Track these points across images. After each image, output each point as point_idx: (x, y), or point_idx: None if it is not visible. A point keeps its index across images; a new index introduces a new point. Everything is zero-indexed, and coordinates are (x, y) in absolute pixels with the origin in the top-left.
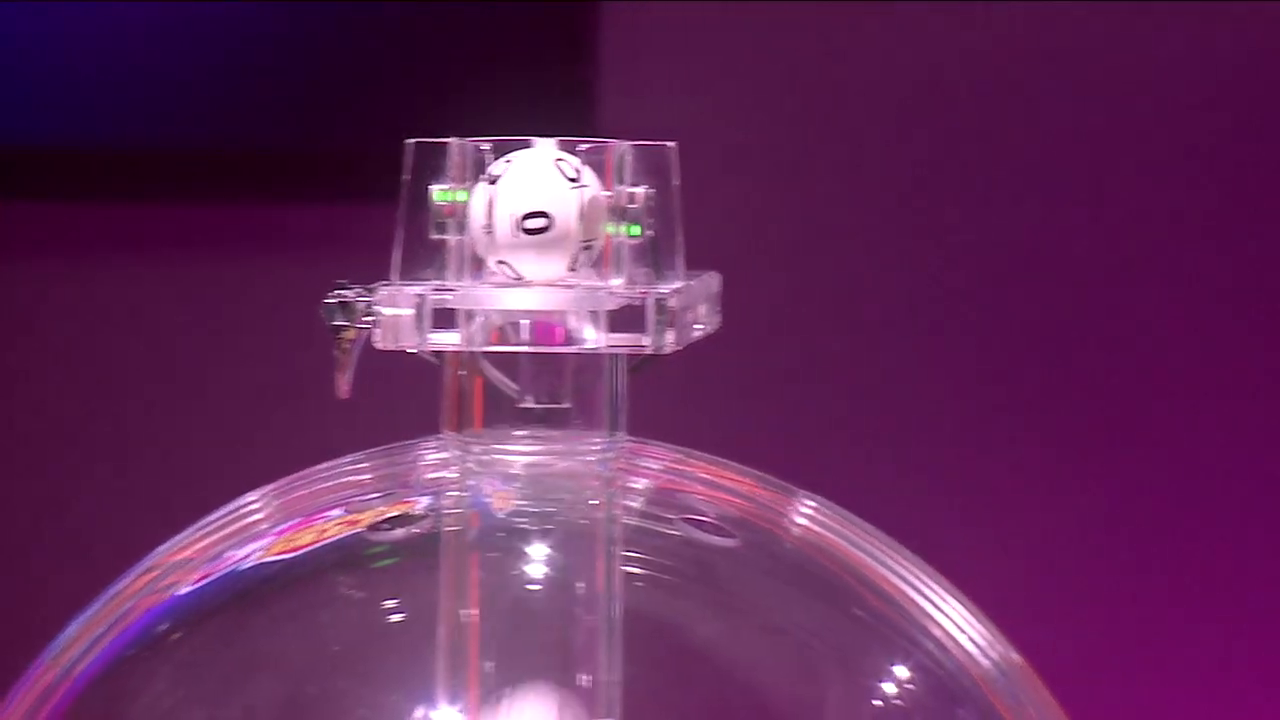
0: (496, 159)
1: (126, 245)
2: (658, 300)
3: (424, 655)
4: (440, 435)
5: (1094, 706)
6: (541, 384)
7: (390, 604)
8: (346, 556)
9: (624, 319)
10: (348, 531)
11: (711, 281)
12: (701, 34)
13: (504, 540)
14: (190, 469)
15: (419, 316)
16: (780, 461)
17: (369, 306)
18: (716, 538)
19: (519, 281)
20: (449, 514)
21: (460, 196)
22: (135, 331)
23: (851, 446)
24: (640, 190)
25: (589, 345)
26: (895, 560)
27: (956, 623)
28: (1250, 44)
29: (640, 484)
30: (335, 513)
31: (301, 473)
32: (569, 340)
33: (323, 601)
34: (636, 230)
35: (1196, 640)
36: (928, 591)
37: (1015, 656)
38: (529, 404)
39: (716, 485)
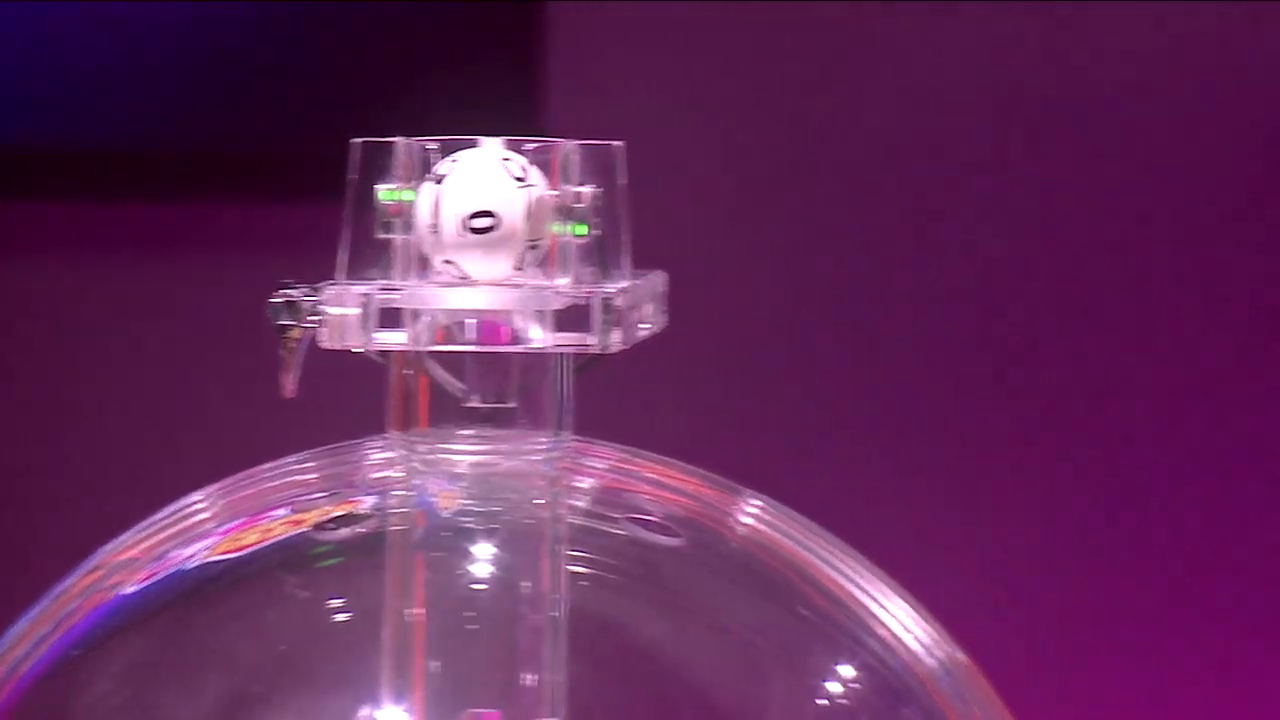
0: (443, 158)
1: (68, 244)
2: (604, 300)
3: (369, 654)
4: (386, 435)
5: (1038, 706)
6: (487, 383)
7: (336, 603)
8: (292, 556)
9: (570, 318)
10: (293, 531)
11: (657, 281)
12: (648, 33)
13: (449, 540)
14: (136, 468)
15: (365, 316)
16: (726, 461)
17: (315, 306)
18: (662, 537)
19: (465, 281)
20: (394, 513)
21: (406, 196)
22: (77, 331)
23: (797, 446)
24: (587, 190)
25: (535, 345)
26: (841, 560)
27: (902, 622)
28: (1251, 44)
29: (586, 483)
30: (280, 512)
31: (247, 472)
32: (515, 340)
33: (268, 601)
34: (583, 230)
35: (1141, 639)
36: (873, 591)
37: (960, 656)
38: (475, 403)
39: (662, 485)
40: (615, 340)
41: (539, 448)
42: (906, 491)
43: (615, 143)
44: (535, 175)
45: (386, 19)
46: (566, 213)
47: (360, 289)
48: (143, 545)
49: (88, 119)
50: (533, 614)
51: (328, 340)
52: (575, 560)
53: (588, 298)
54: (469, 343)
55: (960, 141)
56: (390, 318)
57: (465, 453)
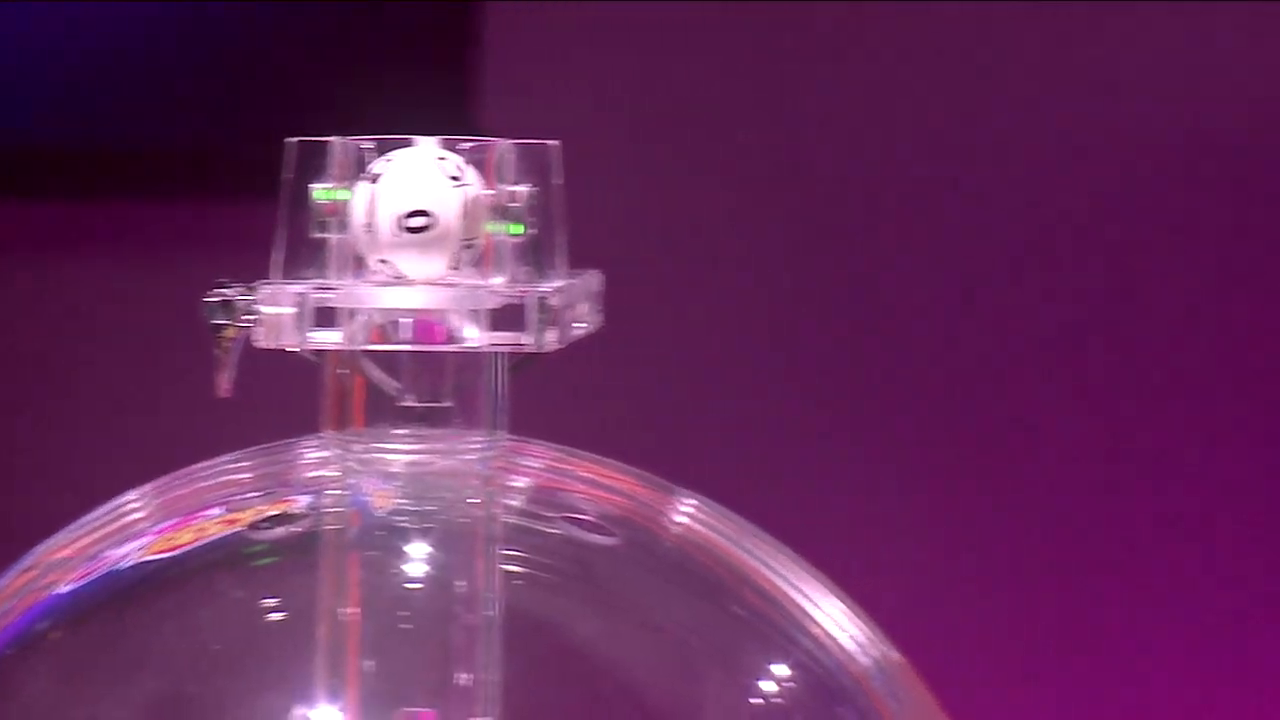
0: (378, 158)
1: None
2: (539, 299)
3: (304, 654)
4: (321, 434)
5: (973, 705)
6: (422, 383)
7: (270, 603)
8: (226, 555)
9: (505, 317)
10: (227, 530)
11: (593, 280)
12: (583, 33)
13: (384, 539)
14: (69, 467)
15: (300, 315)
16: (660, 460)
17: (250, 305)
18: (597, 536)
19: (400, 280)
20: (329, 513)
21: (341, 195)
22: (9, 329)
23: (732, 445)
24: (522, 189)
25: (470, 344)
26: (775, 558)
27: (836, 621)
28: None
29: (521, 482)
30: (215, 511)
31: (181, 471)
32: (450, 339)
33: (202, 600)
34: (518, 229)
35: (1075, 638)
36: (807, 590)
37: (895, 655)
38: (410, 403)
39: (597, 484)
40: (550, 339)
41: (474, 447)
42: (842, 490)
43: (550, 142)
44: (471, 175)
45: (322, 18)
46: (502, 212)
47: (295, 288)
48: (77, 544)
49: (18, 119)
50: (467, 613)
51: (263, 339)
52: (510, 559)
53: (523, 297)
54: (404, 342)
55: (912, 139)
56: (325, 317)
57: (400, 452)
